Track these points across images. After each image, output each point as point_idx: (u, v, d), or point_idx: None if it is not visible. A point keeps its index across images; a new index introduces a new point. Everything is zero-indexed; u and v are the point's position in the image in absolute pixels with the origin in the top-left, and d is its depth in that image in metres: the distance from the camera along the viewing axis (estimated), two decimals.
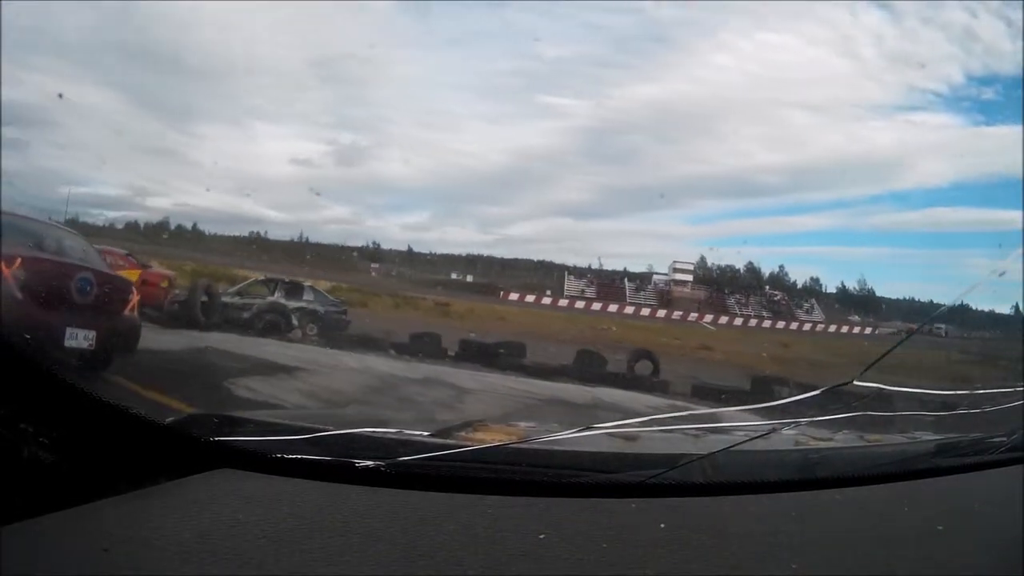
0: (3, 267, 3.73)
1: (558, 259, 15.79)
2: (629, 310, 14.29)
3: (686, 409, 1.26)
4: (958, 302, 1.55)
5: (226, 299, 8.84)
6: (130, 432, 0.92)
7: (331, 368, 5.76)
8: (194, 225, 14.17)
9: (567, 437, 1.11)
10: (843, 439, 1.47)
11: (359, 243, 15.74)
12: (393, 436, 1.12)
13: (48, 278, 4.01)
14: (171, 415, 1.14)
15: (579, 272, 15.25)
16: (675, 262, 14.99)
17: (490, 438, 1.34)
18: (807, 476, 1.13)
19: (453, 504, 0.91)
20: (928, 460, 1.33)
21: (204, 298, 8.13)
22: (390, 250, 15.93)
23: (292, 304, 9.14)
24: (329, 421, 1.25)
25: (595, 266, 15.39)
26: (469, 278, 15.73)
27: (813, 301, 14.29)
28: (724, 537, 0.89)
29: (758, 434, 1.19)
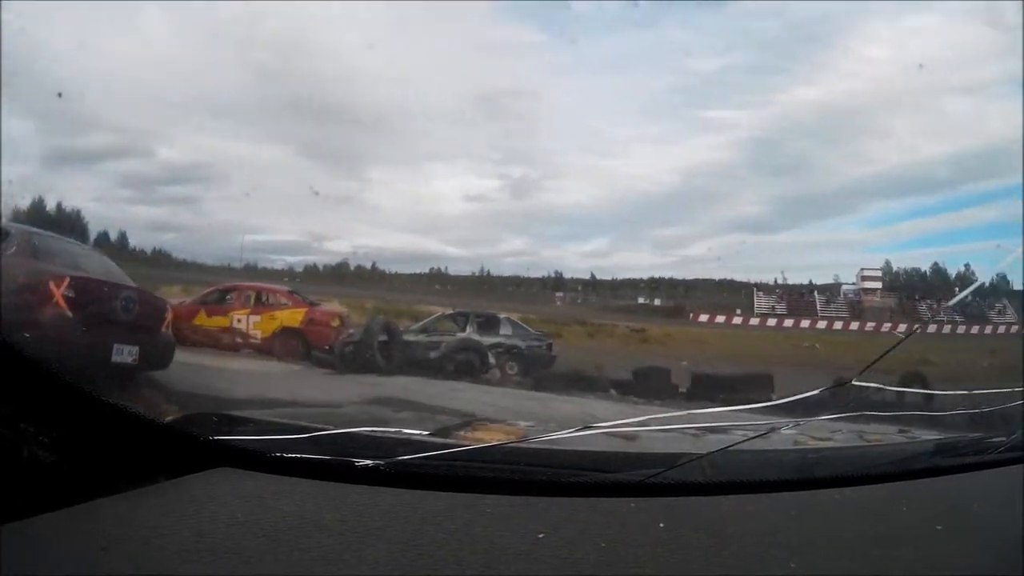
0: (53, 287, 3.78)
1: (738, 276, 15.41)
2: (821, 324, 13.45)
3: None
4: (962, 298, 1.54)
5: (409, 337, 7.67)
6: (129, 431, 0.92)
7: (547, 420, 4.42)
8: (373, 265, 14.54)
9: (566, 436, 1.11)
10: (842, 439, 1.47)
11: (539, 274, 15.85)
12: (392, 435, 1.12)
13: (95, 297, 4.12)
14: None
15: (767, 288, 14.59)
16: (863, 270, 14.05)
17: (489, 437, 1.34)
18: (806, 476, 1.13)
19: (452, 503, 0.92)
20: (927, 460, 1.33)
21: (383, 337, 7.00)
22: (571, 278, 15.94)
23: (488, 340, 7.88)
24: (328, 420, 1.25)
25: (779, 281, 14.79)
26: (656, 301, 15.38)
27: (1005, 301, 13.39)
28: (723, 537, 0.89)
29: (757, 434, 1.19)
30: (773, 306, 14.50)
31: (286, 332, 7.70)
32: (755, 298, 14.65)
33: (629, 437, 1.31)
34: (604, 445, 1.20)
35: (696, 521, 0.92)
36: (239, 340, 7.55)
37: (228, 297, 8.17)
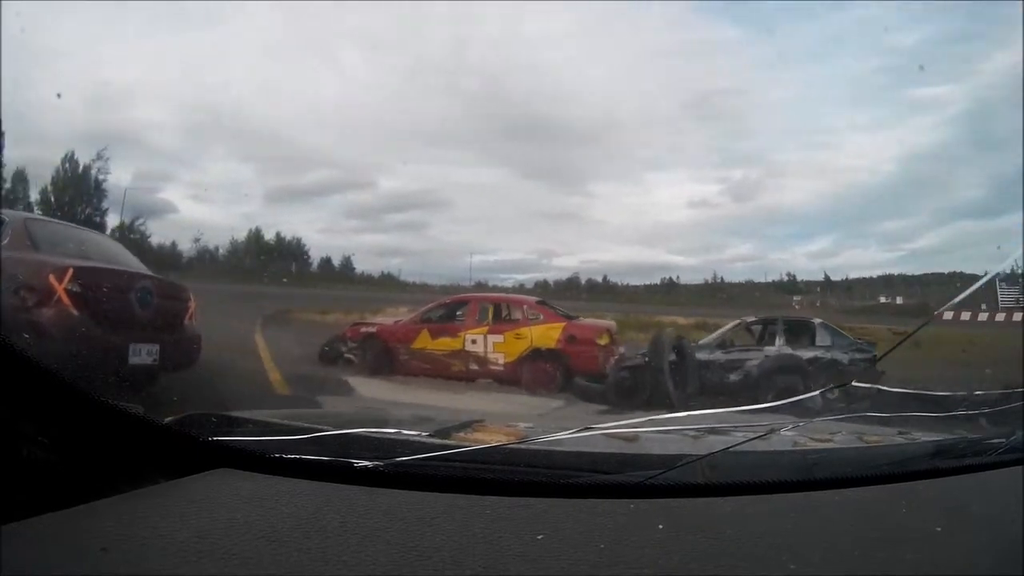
0: (54, 281, 3.30)
1: (968, 268, 13.96)
2: None
3: None
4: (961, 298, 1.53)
5: (703, 356, 6.03)
6: (129, 432, 0.92)
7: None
8: (604, 278, 14.71)
9: (566, 437, 1.11)
10: (842, 440, 1.46)
11: (770, 277, 15.38)
12: (391, 436, 1.12)
13: (105, 290, 3.65)
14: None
15: (1010, 279, 13.26)
16: None
17: (489, 438, 1.34)
18: (806, 477, 1.12)
19: (451, 505, 0.92)
20: (927, 461, 1.33)
21: (672, 357, 5.47)
22: (804, 280, 15.37)
23: (805, 354, 6.25)
24: (327, 421, 1.25)
25: (1016, 269, 13.64)
26: (899, 300, 14.71)
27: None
28: (722, 538, 0.89)
29: (757, 435, 1.19)
30: (1018, 298, 13.05)
31: (538, 355, 6.09)
32: (999, 291, 13.06)
33: (629, 438, 1.31)
34: (604, 446, 1.20)
35: (695, 522, 0.92)
36: (475, 367, 6.05)
37: (459, 313, 6.59)
